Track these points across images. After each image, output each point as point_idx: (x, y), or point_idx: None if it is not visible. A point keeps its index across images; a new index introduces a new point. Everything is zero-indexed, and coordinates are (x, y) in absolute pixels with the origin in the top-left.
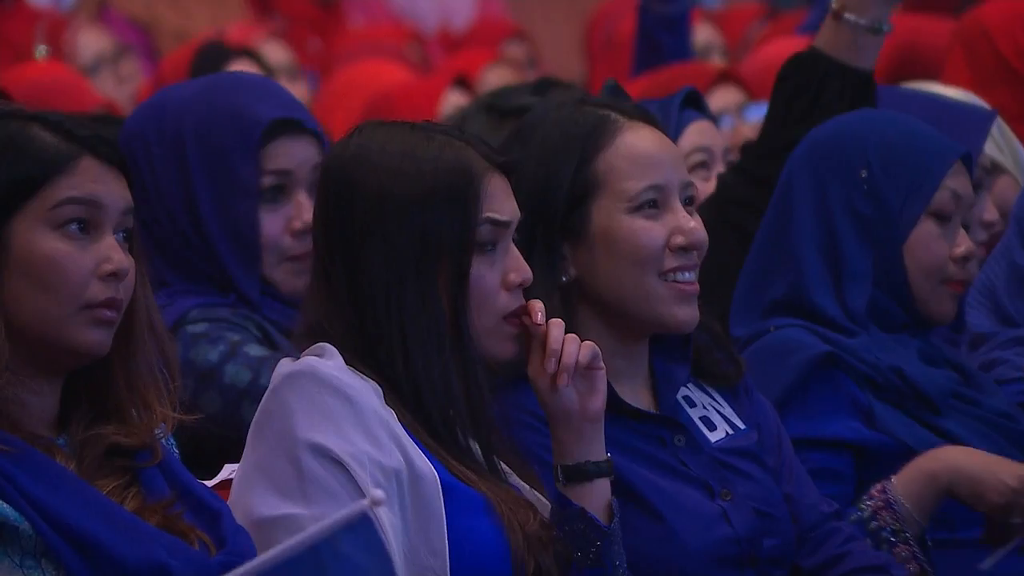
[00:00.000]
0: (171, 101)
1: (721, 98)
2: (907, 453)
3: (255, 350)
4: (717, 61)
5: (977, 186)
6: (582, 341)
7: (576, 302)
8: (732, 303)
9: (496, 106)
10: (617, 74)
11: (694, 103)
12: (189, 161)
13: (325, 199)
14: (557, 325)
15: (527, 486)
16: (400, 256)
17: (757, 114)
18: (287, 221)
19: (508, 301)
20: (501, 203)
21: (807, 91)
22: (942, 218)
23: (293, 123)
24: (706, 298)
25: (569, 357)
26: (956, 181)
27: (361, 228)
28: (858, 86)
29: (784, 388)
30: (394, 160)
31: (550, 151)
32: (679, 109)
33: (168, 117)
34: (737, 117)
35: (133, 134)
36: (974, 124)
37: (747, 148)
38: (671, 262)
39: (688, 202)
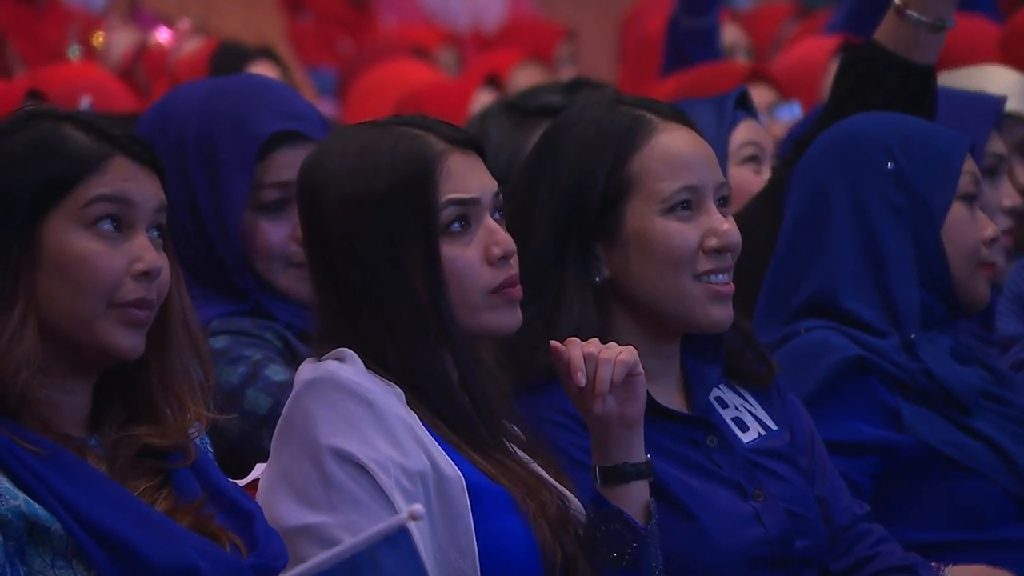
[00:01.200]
0: (177, 104)
1: (753, 98)
2: (934, 456)
3: (276, 373)
4: (742, 61)
5: (992, 171)
6: (617, 343)
7: (610, 302)
8: (755, 311)
9: (517, 105)
10: (647, 73)
11: (742, 104)
12: (190, 168)
13: (300, 210)
14: (575, 345)
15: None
16: (371, 254)
17: (788, 114)
18: (292, 229)
19: (493, 276)
20: (464, 181)
21: (866, 84)
22: (969, 202)
23: (293, 135)
24: (750, 289)
25: (602, 383)
26: (970, 165)
27: (332, 234)
28: (918, 81)
29: (812, 391)
30: (352, 162)
31: (585, 151)
32: (732, 108)
33: (173, 121)
34: (768, 116)
35: (143, 135)
36: (982, 112)
37: (801, 143)
38: (705, 264)
39: (722, 203)
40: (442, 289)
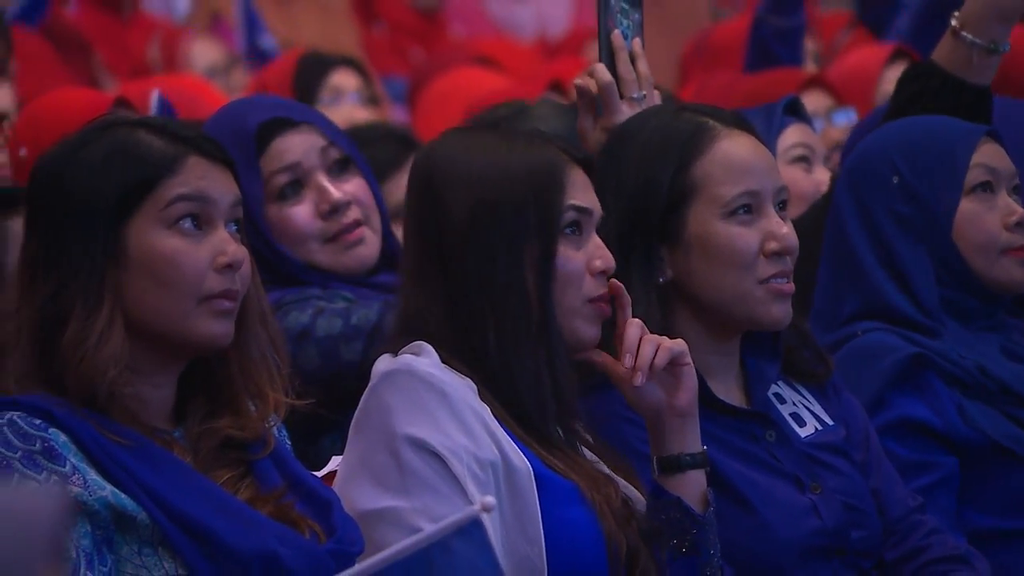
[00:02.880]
0: None
1: (810, 103)
2: (993, 448)
3: (340, 303)
4: (811, 68)
5: None
6: (675, 338)
7: (673, 302)
8: (811, 317)
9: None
10: (709, 79)
11: (794, 110)
12: None
13: (416, 207)
14: (633, 325)
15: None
16: (491, 248)
17: (844, 118)
18: (315, 206)
19: (593, 286)
20: (582, 193)
21: (921, 102)
22: (982, 193)
23: (282, 121)
24: (809, 289)
25: (643, 359)
26: (987, 156)
27: (455, 231)
28: (972, 102)
29: (876, 389)
30: (481, 164)
31: (649, 156)
32: (782, 113)
33: None
34: (826, 121)
35: None
36: None
37: None
38: (767, 269)
39: (781, 207)
40: (550, 285)
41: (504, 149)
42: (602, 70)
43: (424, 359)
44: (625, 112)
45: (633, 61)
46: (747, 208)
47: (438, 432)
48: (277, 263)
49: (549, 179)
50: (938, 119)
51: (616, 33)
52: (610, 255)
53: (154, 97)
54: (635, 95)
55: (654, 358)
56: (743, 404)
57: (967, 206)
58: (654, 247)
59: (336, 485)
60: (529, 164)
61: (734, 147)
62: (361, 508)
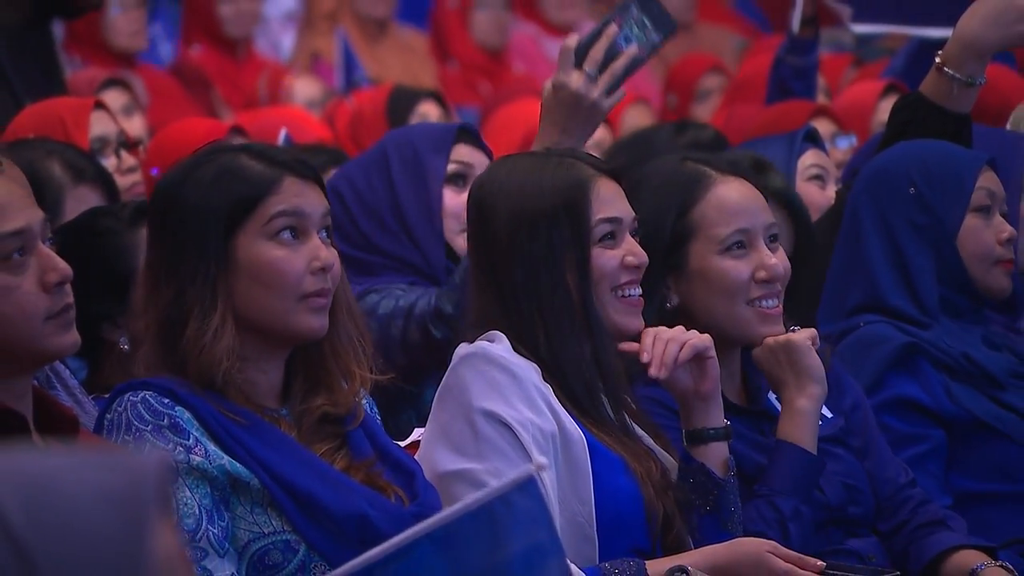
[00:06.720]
0: (372, 153)
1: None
2: (976, 424)
3: (403, 288)
4: (822, 100)
5: None
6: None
7: (683, 322)
8: (818, 309)
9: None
10: (735, 110)
11: (812, 137)
12: (391, 169)
13: (471, 225)
14: (647, 333)
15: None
16: (533, 255)
17: (846, 143)
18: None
19: (624, 278)
20: (611, 203)
21: (911, 128)
22: (983, 212)
23: (468, 132)
24: (818, 288)
25: (668, 356)
26: (988, 181)
27: (500, 239)
28: (954, 128)
29: (874, 373)
30: (519, 183)
31: (657, 201)
32: (801, 140)
33: (376, 148)
34: (830, 144)
35: (332, 187)
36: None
37: (857, 171)
38: (756, 291)
39: (772, 239)
40: (588, 284)
41: (537, 171)
42: (572, 39)
43: (498, 345)
44: (574, 78)
45: (613, 58)
46: (740, 244)
47: (508, 406)
48: (419, 236)
49: (576, 194)
50: (949, 145)
51: (612, 25)
52: (643, 252)
53: (282, 134)
54: (589, 71)
55: (679, 354)
56: (745, 405)
57: (970, 222)
58: (663, 277)
59: (420, 449)
60: (557, 182)
61: (727, 192)
62: (442, 469)
